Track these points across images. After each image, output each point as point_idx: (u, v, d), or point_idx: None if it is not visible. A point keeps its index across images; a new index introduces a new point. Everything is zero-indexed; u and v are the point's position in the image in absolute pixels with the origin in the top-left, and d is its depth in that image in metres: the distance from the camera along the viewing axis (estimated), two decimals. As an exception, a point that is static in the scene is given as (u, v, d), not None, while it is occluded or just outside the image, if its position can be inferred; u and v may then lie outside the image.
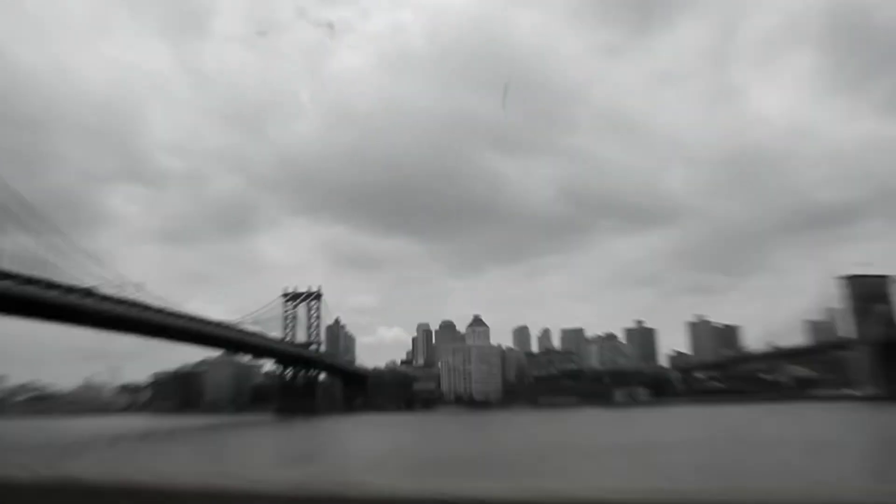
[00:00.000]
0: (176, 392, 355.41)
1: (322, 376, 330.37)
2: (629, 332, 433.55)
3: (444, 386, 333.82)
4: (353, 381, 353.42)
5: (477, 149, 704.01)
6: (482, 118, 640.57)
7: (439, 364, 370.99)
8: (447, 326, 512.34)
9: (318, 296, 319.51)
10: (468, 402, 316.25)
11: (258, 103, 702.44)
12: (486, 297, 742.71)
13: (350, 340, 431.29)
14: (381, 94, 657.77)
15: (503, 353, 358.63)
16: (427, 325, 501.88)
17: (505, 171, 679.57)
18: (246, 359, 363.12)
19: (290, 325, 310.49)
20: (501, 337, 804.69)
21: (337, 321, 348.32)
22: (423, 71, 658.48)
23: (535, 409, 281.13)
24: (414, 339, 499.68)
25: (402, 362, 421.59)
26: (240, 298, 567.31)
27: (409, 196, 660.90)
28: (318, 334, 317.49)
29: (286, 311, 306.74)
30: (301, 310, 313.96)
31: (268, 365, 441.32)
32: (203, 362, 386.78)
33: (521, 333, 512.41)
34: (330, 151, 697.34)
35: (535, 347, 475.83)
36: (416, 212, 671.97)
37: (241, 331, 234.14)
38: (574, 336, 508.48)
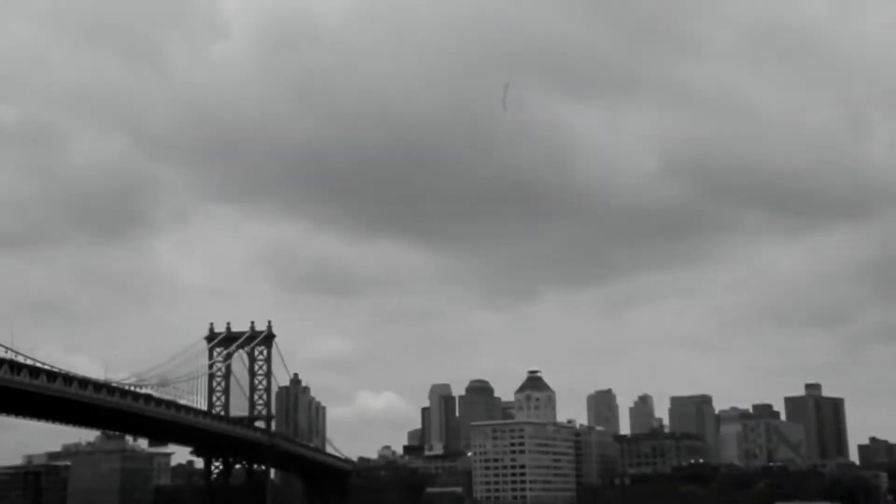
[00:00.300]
0: (17, 502, 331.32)
1: (272, 473, 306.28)
2: (793, 403, 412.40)
3: (480, 490, 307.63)
4: (323, 481, 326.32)
5: (531, 88, 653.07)
6: (541, 36, 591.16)
7: (469, 453, 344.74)
8: (479, 390, 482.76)
9: (266, 338, 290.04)
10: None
11: (148, 12, 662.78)
12: (540, 342, 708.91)
13: (317, 413, 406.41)
14: None
15: (578, 437, 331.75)
16: (447, 387, 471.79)
17: (578, 127, 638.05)
18: (140, 445, 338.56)
19: (221, 386, 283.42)
20: (570, 409, 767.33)
21: (295, 380, 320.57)
22: None
23: None
24: (425, 413, 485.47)
25: (407, 449, 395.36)
26: (127, 343, 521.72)
27: (408, 171, 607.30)
28: (266, 402, 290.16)
29: (213, 365, 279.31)
30: (238, 362, 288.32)
31: (180, 455, 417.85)
32: (66, 451, 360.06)
33: (603, 403, 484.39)
34: (273, 93, 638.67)
35: (627, 426, 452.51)
36: (419, 198, 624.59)
37: (135, 396, 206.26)
38: (693, 409, 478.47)
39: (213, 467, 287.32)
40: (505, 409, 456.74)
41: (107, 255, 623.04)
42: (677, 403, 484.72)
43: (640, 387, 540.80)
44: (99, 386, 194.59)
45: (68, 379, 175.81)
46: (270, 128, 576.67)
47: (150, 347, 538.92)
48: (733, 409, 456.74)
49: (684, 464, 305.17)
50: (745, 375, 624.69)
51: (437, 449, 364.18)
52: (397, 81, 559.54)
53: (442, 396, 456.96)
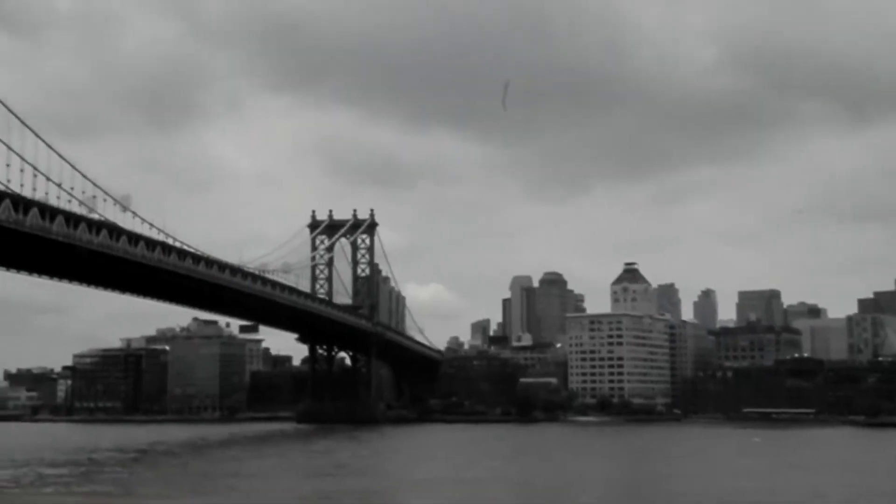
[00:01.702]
0: (118, 384, 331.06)
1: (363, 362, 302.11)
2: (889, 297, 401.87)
3: (575, 382, 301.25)
4: (412, 369, 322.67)
5: None
6: None
7: (558, 345, 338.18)
8: (552, 283, 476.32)
9: (369, 226, 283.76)
10: (619, 409, 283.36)
11: None
12: (591, 235, 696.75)
13: (398, 302, 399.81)
14: None
15: (673, 330, 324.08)
16: (529, 279, 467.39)
17: (636, 15, 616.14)
18: (233, 331, 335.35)
19: (324, 274, 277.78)
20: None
21: (375, 271, 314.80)
22: None
23: (736, 423, 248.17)
24: (505, 304, 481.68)
25: (493, 340, 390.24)
26: (185, 234, 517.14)
27: (463, 59, 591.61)
28: (368, 291, 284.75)
29: (316, 253, 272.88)
30: (339, 251, 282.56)
31: (272, 342, 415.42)
32: (162, 335, 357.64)
33: (665, 297, 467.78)
34: None
35: (723, 318, 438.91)
36: (472, 87, 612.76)
37: (244, 274, 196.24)
38: (762, 304, 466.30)
39: (319, 353, 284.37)
40: (577, 302, 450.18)
41: (161, 146, 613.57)
42: (746, 298, 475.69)
43: (695, 282, 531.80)
44: (238, 273, 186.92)
45: (167, 248, 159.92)
46: (326, 16, 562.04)
47: (213, 233, 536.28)
48: (801, 303, 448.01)
49: (786, 358, 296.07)
50: (802, 271, 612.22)
51: (526, 340, 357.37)
52: None
53: (524, 288, 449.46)
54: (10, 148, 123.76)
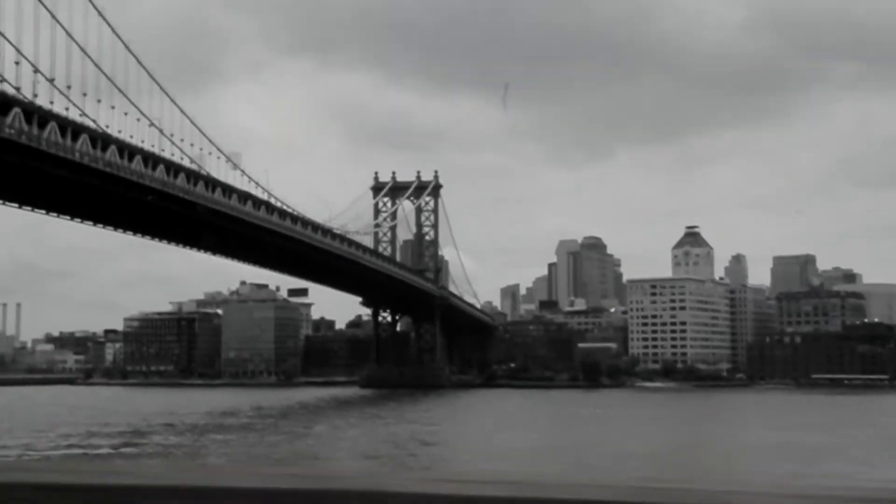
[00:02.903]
0: (171, 348, 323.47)
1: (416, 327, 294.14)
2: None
3: (636, 347, 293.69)
4: (465, 335, 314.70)
5: None
6: None
7: (613, 309, 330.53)
8: (592, 247, 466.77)
9: (434, 188, 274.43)
10: (685, 375, 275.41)
11: None
12: (614, 201, 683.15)
13: (444, 267, 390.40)
14: None
15: (733, 294, 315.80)
16: (576, 243, 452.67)
17: None
18: (282, 295, 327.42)
19: (387, 237, 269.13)
20: (659, 266, 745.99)
21: (419, 233, 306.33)
22: None
23: (806, 389, 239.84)
24: (551, 268, 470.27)
25: (543, 305, 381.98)
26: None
27: (484, 19, 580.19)
28: (433, 255, 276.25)
29: (381, 214, 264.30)
30: (402, 213, 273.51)
31: (323, 309, 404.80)
32: (211, 299, 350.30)
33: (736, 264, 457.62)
34: None
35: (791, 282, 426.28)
36: (493, 48, 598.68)
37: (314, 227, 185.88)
38: (797, 269, 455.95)
39: (382, 318, 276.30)
40: (615, 267, 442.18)
41: (173, 106, 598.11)
42: (780, 263, 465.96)
43: (724, 247, 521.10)
44: (307, 223, 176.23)
45: (271, 208, 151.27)
46: None
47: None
48: (836, 268, 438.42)
49: (850, 323, 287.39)
50: (833, 236, 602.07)
51: (579, 304, 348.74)
52: None
53: (571, 253, 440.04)
54: (132, 103, 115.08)
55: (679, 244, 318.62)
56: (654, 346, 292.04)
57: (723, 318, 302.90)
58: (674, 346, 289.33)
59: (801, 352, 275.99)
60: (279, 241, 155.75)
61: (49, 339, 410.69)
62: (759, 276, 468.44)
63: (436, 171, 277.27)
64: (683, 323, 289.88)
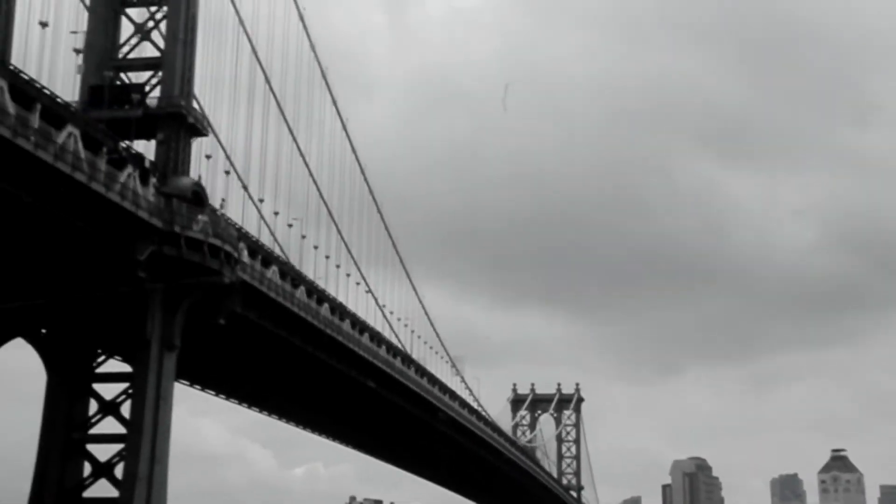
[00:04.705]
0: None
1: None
2: None
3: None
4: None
5: (687, 151, 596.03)
6: (699, 99, 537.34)
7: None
8: (699, 468, 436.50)
9: (575, 402, 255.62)
10: None
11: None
12: (683, 418, 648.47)
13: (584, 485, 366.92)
14: (498, 43, 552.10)
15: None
16: (691, 464, 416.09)
17: (735, 193, 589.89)
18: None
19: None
20: (740, 493, 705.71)
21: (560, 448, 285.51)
22: (577, 15, 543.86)
23: None
24: (665, 490, 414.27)
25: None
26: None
27: (554, 235, 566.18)
28: (576, 470, 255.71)
29: (516, 423, 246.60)
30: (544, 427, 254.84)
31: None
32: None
33: (788, 487, 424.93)
34: (420, 153, 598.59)
35: None
36: (563, 263, 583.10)
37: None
38: None
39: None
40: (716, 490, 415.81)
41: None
42: (888, 492, 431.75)
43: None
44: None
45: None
46: (414, 188, 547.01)
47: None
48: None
49: None
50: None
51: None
52: (546, 144, 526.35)
53: (686, 473, 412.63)
54: (362, 276, 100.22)
55: (825, 468, 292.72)
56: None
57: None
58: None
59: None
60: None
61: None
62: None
63: (577, 384, 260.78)
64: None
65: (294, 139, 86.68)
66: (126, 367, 63.97)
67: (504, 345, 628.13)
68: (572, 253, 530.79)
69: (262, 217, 77.48)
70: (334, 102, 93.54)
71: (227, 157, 72.85)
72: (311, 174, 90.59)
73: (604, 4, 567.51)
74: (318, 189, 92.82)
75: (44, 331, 65.50)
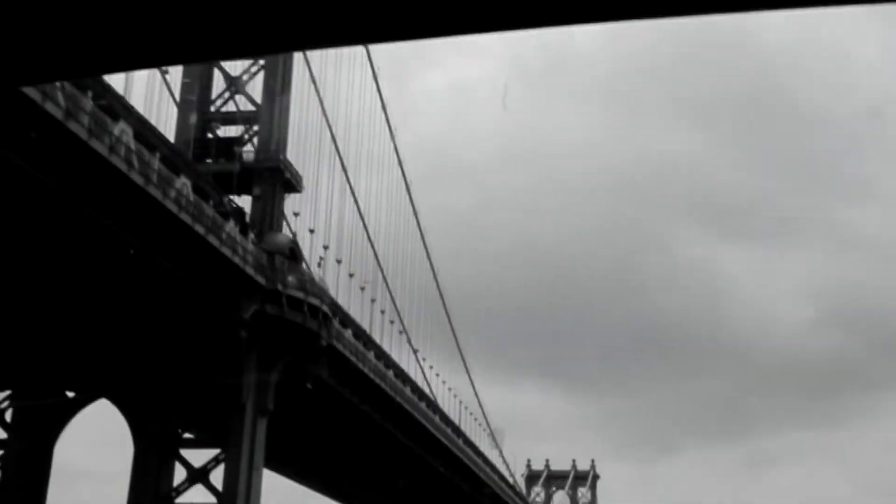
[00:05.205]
0: None
1: None
2: None
3: None
4: None
5: (683, 228, 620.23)
6: (694, 177, 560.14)
7: None
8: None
9: (593, 479, 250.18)
10: None
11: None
12: (678, 496, 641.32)
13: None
14: (499, 127, 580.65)
15: None
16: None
17: (731, 271, 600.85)
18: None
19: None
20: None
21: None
22: (576, 89, 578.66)
23: None
24: None
25: None
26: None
27: (549, 313, 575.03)
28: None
29: (532, 501, 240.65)
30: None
31: None
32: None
33: None
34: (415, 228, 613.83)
35: None
36: (556, 341, 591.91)
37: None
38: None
39: None
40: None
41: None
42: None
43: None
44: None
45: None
46: (409, 264, 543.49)
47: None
48: None
49: None
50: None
51: None
52: (543, 222, 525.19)
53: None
54: (410, 345, 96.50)
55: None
56: None
57: None
58: None
59: None
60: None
61: None
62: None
63: (592, 461, 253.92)
64: None
65: (356, 202, 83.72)
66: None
67: (502, 419, 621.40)
68: (570, 327, 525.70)
69: (339, 280, 74.21)
70: (400, 164, 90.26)
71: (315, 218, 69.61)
72: (369, 238, 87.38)
73: (603, 80, 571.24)
74: (375, 254, 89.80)
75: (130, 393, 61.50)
